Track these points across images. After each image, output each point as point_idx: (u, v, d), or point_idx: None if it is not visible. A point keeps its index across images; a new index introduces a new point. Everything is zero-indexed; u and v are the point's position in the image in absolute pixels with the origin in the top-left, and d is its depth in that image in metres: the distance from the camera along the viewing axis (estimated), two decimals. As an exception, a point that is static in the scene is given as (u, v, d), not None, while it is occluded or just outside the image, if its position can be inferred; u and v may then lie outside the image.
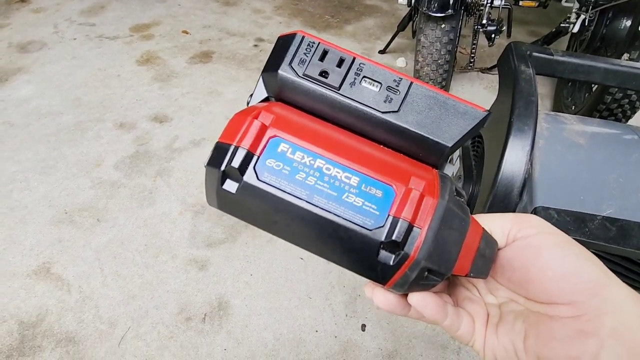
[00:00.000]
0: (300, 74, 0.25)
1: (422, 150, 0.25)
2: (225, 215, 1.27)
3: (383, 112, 0.25)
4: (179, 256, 1.16)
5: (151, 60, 1.93)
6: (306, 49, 0.26)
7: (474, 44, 1.70)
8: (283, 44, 0.26)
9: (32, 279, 1.09)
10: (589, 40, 1.49)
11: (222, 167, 0.23)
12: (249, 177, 0.23)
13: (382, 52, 2.08)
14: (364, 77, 0.25)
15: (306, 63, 0.25)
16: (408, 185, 0.22)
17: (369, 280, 0.27)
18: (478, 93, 1.86)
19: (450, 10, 1.25)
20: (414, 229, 0.22)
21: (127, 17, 2.23)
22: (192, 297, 1.08)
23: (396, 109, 0.25)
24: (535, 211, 0.67)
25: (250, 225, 0.25)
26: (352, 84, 0.25)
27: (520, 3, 1.70)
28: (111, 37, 2.07)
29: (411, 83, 0.25)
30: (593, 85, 1.43)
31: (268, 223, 0.24)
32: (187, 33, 2.15)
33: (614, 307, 0.22)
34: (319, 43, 0.26)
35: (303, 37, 0.26)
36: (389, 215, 0.22)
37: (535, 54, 0.82)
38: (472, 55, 1.74)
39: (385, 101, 0.25)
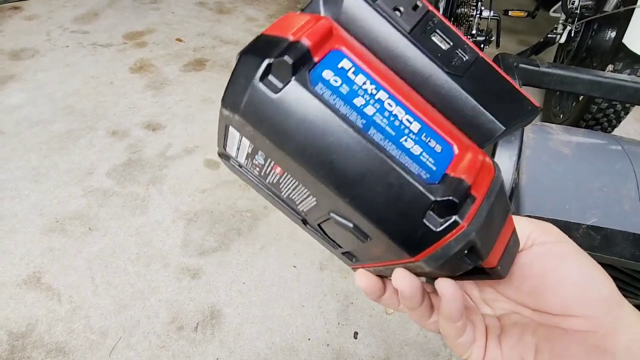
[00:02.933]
0: (372, 1, 0.21)
1: (474, 126, 0.22)
2: (218, 223, 1.28)
3: (447, 72, 0.22)
4: (171, 265, 1.16)
5: (144, 68, 1.93)
6: None
7: (464, 54, 1.73)
8: None
9: (22, 288, 1.08)
10: (575, 50, 1.52)
11: (270, 59, 0.18)
12: (299, 80, 0.18)
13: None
14: (436, 31, 0.22)
15: None
16: (468, 150, 0.20)
17: (357, 271, 0.25)
18: (469, 101, 1.89)
19: (440, 22, 1.27)
20: (470, 196, 0.19)
21: (121, 25, 2.24)
22: (184, 306, 1.07)
23: (461, 74, 0.22)
24: (521, 220, 0.68)
25: (265, 152, 0.20)
26: (424, 32, 0.22)
27: (509, 13, 1.73)
28: (104, 45, 2.07)
29: (478, 54, 0.22)
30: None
31: (302, 148, 0.19)
32: (181, 41, 2.16)
33: (628, 325, 0.21)
34: None
35: None
36: (446, 174, 0.19)
37: (522, 65, 0.84)
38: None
39: (451, 62, 0.22)
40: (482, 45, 1.54)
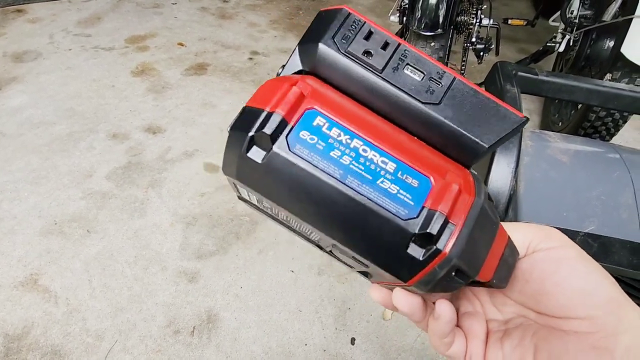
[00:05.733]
0: (343, 50, 0.24)
1: (457, 148, 0.24)
2: (217, 227, 1.28)
3: (423, 103, 0.23)
4: (169, 268, 1.16)
5: (146, 72, 1.94)
6: (351, 26, 0.24)
7: (464, 61, 1.74)
8: (326, 17, 0.25)
9: (18, 290, 1.08)
10: (574, 59, 1.53)
11: (251, 132, 0.21)
12: (279, 146, 0.21)
13: (375, 66, 2.11)
14: (408, 64, 0.24)
15: (350, 40, 0.24)
16: (445, 179, 0.21)
17: (371, 285, 0.27)
18: (468, 108, 1.89)
19: (439, 30, 1.28)
20: (449, 224, 0.20)
21: (124, 29, 2.25)
22: (181, 310, 1.07)
23: (437, 102, 0.23)
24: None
25: (260, 209, 0.23)
26: (395, 68, 0.24)
27: (509, 22, 1.74)
28: (107, 48, 2.08)
29: (454, 78, 0.24)
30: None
31: (291, 201, 0.22)
32: (182, 45, 2.17)
33: (630, 327, 0.21)
34: (365, 22, 0.24)
35: (349, 14, 0.24)
36: (423, 207, 0.21)
37: (520, 73, 0.85)
38: (462, 71, 1.78)
39: (427, 91, 0.24)
40: (481, 53, 1.54)
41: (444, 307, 0.24)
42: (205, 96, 1.82)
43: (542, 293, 0.24)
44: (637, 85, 1.21)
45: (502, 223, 0.24)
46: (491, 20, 1.52)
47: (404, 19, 1.53)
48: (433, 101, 0.23)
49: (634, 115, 1.38)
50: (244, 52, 2.17)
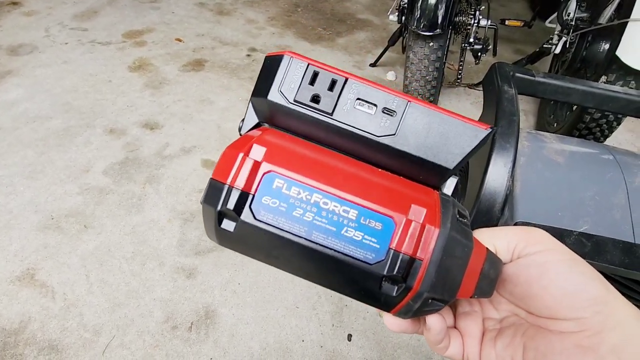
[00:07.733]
0: (291, 100, 0.24)
1: (422, 173, 0.25)
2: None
3: (379, 136, 0.24)
4: (167, 264, 1.16)
5: (143, 67, 1.93)
6: (296, 72, 0.24)
7: (462, 61, 1.76)
8: (271, 65, 0.25)
9: (15, 285, 1.07)
10: (569, 61, 1.55)
11: (218, 208, 0.22)
12: (245, 216, 0.22)
13: (373, 65, 2.12)
14: (358, 99, 0.24)
15: (296, 87, 0.24)
16: (408, 215, 0.22)
17: None
18: (465, 108, 1.91)
19: (438, 30, 1.29)
20: (416, 261, 0.21)
21: (121, 23, 2.24)
22: (179, 306, 1.08)
23: (393, 132, 0.24)
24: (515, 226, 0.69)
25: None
26: (346, 107, 0.24)
27: (506, 22, 1.76)
28: (103, 43, 2.07)
29: (408, 103, 0.24)
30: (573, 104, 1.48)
31: (269, 258, 0.24)
32: (180, 41, 2.17)
33: (617, 324, 0.22)
34: (309, 64, 0.25)
35: (291, 59, 0.25)
36: (389, 248, 0.21)
37: (517, 74, 0.86)
38: (460, 71, 1.79)
39: (381, 124, 0.24)
40: (479, 54, 1.56)
41: (432, 320, 0.25)
42: (203, 92, 1.82)
43: (529, 296, 0.24)
44: (631, 88, 1.23)
45: (486, 230, 0.25)
46: (489, 21, 1.53)
47: (403, 18, 1.54)
48: (389, 133, 0.24)
49: (628, 117, 1.40)
50: (242, 49, 2.16)
